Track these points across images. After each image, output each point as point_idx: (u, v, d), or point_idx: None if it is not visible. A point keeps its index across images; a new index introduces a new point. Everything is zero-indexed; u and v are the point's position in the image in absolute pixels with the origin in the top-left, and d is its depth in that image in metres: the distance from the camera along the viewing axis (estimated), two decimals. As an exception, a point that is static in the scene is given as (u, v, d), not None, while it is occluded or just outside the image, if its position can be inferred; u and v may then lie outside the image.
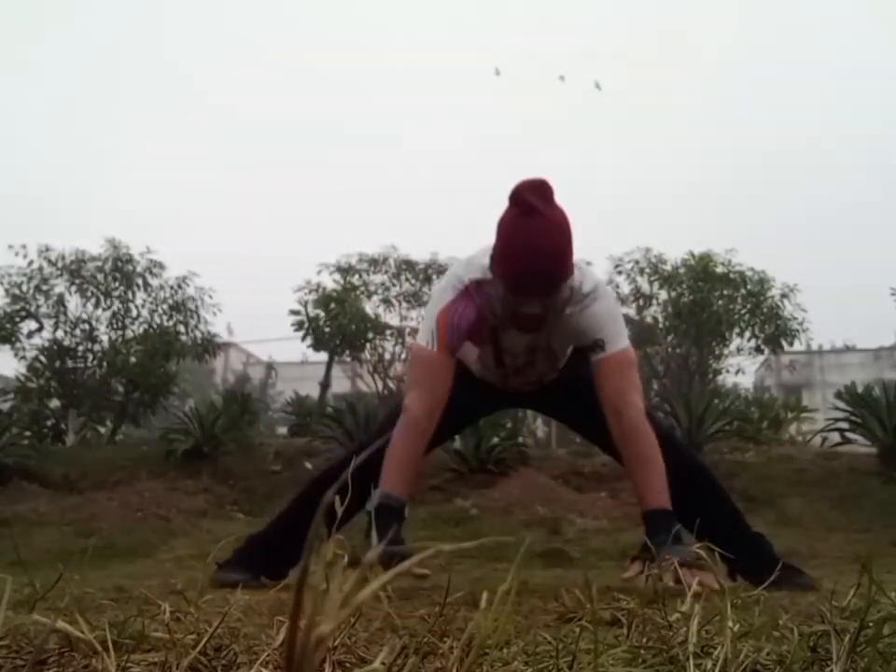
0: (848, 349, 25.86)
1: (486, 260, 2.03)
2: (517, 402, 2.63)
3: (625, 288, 10.39)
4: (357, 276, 10.72)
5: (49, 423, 9.08)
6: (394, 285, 10.77)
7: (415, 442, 2.00)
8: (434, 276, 10.67)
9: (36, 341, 9.43)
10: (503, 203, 1.94)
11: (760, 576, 1.34)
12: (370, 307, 10.61)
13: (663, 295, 10.27)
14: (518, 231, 1.89)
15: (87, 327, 9.56)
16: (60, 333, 9.47)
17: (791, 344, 10.24)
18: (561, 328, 2.09)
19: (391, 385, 10.55)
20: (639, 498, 1.96)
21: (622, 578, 1.88)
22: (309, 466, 7.05)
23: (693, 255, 10.23)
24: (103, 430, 9.72)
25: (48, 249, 9.48)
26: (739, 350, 10.30)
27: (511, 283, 1.93)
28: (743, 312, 10.02)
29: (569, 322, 2.07)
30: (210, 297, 10.00)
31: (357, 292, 10.55)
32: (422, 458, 2.07)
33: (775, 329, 9.91)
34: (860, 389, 7.08)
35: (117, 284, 9.64)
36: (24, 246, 9.36)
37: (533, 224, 1.87)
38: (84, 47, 64.26)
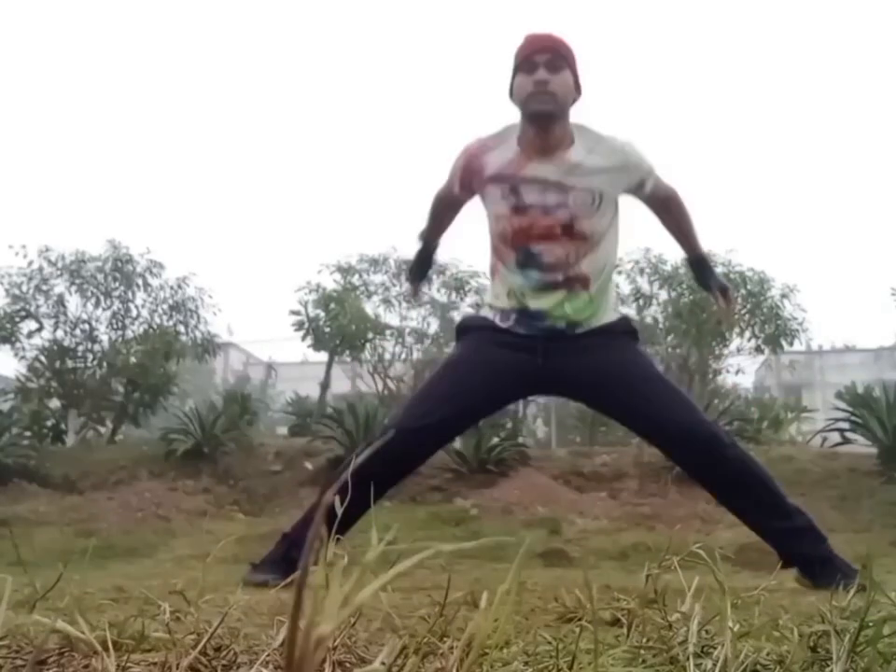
0: (848, 349, 25.82)
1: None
2: (546, 387, 2.47)
3: (625, 288, 10.39)
4: (357, 276, 10.72)
5: (48, 423, 9.07)
6: (394, 285, 10.77)
7: (440, 201, 2.55)
8: (434, 276, 10.67)
9: (36, 341, 9.43)
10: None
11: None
12: (370, 307, 10.61)
13: (663, 295, 10.26)
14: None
15: (87, 327, 9.56)
16: (60, 333, 9.46)
17: (790, 344, 10.23)
18: (595, 166, 2.22)
19: (391, 385, 10.55)
20: (692, 246, 2.52)
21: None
22: (309, 466, 7.05)
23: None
24: (103, 430, 9.72)
25: (48, 249, 9.47)
26: (739, 350, 10.30)
27: (521, 59, 2.18)
28: (743, 312, 10.02)
29: (606, 156, 2.22)
30: (210, 297, 10.02)
31: (357, 292, 10.54)
32: (448, 210, 2.58)
33: (775, 329, 9.90)
34: (860, 389, 7.08)
35: (117, 284, 9.64)
36: (24, 246, 9.37)
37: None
38: (83, 46, 64.33)
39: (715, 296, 2.49)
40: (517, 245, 2.26)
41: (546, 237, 2.22)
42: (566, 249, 2.22)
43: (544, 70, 2.14)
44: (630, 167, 2.25)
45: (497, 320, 2.30)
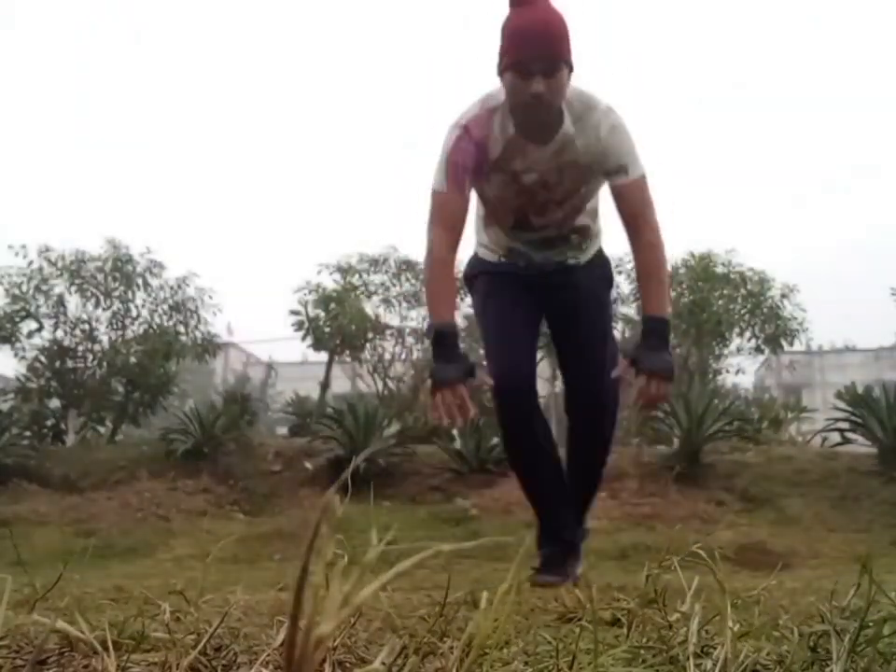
0: (848, 349, 25.80)
1: (482, 98, 2.21)
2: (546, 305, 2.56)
3: (625, 288, 10.39)
4: (357, 276, 10.71)
5: (48, 423, 9.07)
6: (394, 285, 10.76)
7: (447, 274, 2.24)
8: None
9: (36, 341, 9.43)
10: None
11: None
12: (370, 307, 10.61)
13: (663, 295, 10.25)
14: (516, 18, 2.10)
15: (87, 327, 9.56)
16: (60, 333, 9.47)
17: (791, 344, 10.24)
18: (581, 144, 2.18)
19: (391, 385, 10.55)
20: (643, 304, 2.30)
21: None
22: (309, 466, 7.04)
23: (693, 255, 10.23)
24: (103, 430, 9.72)
25: (48, 249, 9.47)
26: (739, 350, 10.31)
27: (515, 60, 2.06)
28: (743, 312, 10.02)
29: (590, 137, 2.16)
30: (210, 297, 10.01)
31: (357, 292, 10.54)
32: (454, 282, 2.35)
33: (775, 329, 9.90)
34: (860, 389, 7.08)
35: (117, 284, 9.64)
36: (24, 246, 9.36)
37: (529, 9, 2.09)
38: (84, 45, 64.32)
39: (633, 375, 2.18)
40: (515, 216, 2.37)
41: (544, 207, 2.33)
42: (563, 212, 2.35)
43: (541, 79, 2.03)
44: (610, 152, 2.18)
45: (499, 259, 2.46)
